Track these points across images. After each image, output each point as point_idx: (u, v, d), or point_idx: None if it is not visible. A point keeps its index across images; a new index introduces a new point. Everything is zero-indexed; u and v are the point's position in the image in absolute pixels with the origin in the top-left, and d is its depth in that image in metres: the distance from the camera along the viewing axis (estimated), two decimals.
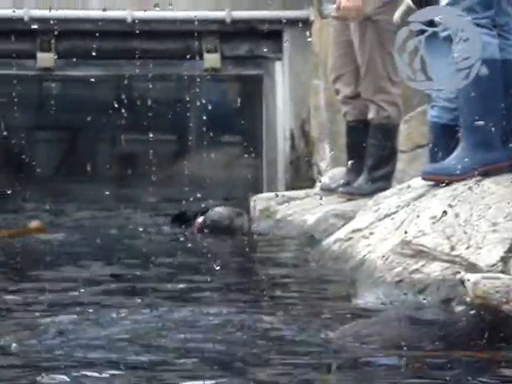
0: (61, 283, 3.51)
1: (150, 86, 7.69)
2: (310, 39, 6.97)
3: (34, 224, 5.42)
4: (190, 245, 4.76)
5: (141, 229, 5.14)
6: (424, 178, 3.80)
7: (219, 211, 5.44)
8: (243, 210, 5.60)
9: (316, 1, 7.15)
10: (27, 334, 2.61)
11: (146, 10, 7.53)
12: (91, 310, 2.90)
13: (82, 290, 3.27)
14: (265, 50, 7.82)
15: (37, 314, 2.90)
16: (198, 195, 6.26)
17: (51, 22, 7.20)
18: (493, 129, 3.71)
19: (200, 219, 5.47)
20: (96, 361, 2.32)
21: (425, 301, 3.06)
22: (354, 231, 3.89)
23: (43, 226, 5.46)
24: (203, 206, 5.59)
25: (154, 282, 3.58)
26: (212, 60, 7.81)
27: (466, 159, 3.70)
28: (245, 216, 5.52)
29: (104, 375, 2.18)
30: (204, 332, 2.62)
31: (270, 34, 7.72)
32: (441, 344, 2.45)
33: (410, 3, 4.27)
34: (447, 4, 3.71)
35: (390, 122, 5.15)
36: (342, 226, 4.25)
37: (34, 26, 7.02)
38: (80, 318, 2.80)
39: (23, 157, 7.83)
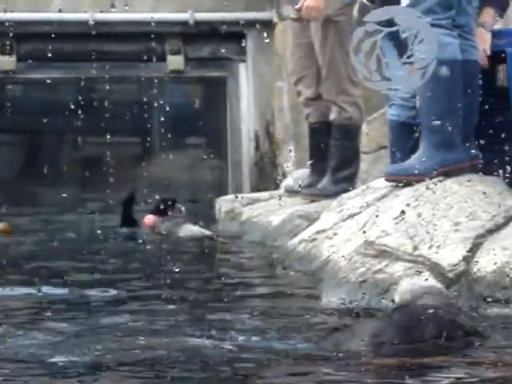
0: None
1: (112, 89, 7.65)
2: (267, 40, 6.98)
3: (1, 226, 5.38)
4: (148, 247, 4.75)
5: (99, 231, 5.13)
6: (387, 179, 3.82)
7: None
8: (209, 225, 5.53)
9: (275, 2, 7.16)
10: None
11: (103, 12, 7.49)
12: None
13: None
14: (228, 51, 7.82)
15: None
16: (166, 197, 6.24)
17: (10, 24, 7.14)
18: (453, 129, 3.73)
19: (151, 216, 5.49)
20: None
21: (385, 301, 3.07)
22: (318, 232, 3.90)
23: (10, 227, 5.42)
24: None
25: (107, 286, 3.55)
26: (176, 62, 7.78)
27: (427, 160, 3.72)
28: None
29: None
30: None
31: (233, 35, 7.72)
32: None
33: (364, 0, 4.27)
34: (407, 5, 3.72)
35: (351, 122, 5.17)
36: (307, 227, 4.26)
37: None
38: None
39: None
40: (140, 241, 5.17)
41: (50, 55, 6.72)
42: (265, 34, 7.01)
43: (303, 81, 5.27)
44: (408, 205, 3.48)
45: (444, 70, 3.67)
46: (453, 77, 3.73)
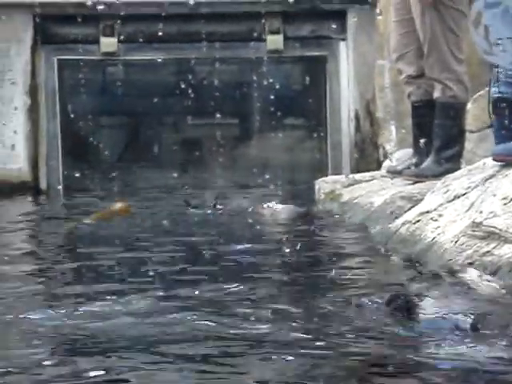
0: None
1: (213, 69, 7.66)
2: (379, 17, 6.83)
3: (120, 205, 5.31)
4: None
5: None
6: (494, 159, 3.69)
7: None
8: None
9: None
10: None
11: None
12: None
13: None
14: (328, 30, 7.72)
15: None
16: (262, 179, 6.22)
17: (114, 7, 7.22)
18: None
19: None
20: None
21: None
22: (422, 213, 3.80)
23: (128, 207, 5.35)
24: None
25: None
26: (275, 41, 7.74)
27: None
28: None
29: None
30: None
31: (334, 13, 7.62)
32: None
33: None
34: None
35: (456, 101, 5.02)
36: (410, 208, 4.16)
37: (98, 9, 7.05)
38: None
39: (89, 142, 7.89)
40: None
41: (150, 37, 6.77)
42: (374, 11, 6.88)
43: (404, 58, 5.15)
44: None
45: None
46: None
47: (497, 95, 4.00)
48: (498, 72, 3.88)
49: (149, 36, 7.43)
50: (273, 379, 2.06)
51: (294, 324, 2.50)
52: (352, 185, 5.64)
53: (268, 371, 2.10)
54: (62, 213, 6.20)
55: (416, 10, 4.99)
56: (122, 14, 7.39)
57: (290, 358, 2.16)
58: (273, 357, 2.18)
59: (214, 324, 2.50)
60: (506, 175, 3.55)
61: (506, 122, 3.96)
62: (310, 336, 2.37)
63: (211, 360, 2.19)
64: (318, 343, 2.30)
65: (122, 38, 7.62)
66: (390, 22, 5.40)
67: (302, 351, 2.23)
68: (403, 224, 3.89)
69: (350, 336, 2.38)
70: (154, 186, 7.56)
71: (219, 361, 2.19)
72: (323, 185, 5.94)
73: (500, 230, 3.20)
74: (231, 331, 2.43)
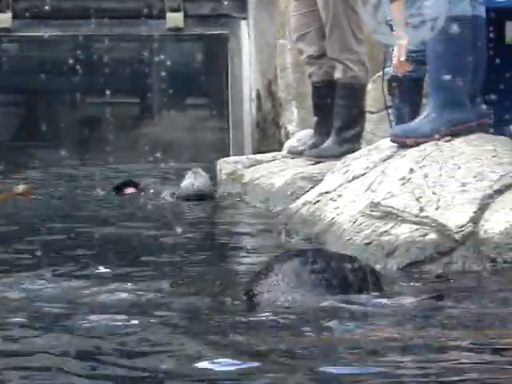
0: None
1: (111, 47, 7.52)
2: None
3: (23, 187, 5.48)
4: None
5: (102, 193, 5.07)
6: (392, 140, 3.72)
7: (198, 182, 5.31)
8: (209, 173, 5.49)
9: None
10: None
11: None
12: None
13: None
14: (229, 8, 7.67)
15: None
16: (163, 158, 6.15)
17: None
18: (462, 87, 3.63)
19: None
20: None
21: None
22: (322, 194, 3.80)
23: (31, 188, 5.53)
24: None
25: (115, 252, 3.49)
26: (175, 19, 7.64)
27: (435, 120, 3.62)
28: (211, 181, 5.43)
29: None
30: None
31: None
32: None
33: None
34: None
35: (357, 81, 5.05)
36: (310, 189, 4.16)
37: None
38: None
39: None
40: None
41: (46, 12, 6.59)
42: None
43: (305, 39, 5.14)
44: (414, 165, 3.38)
45: (454, 27, 3.55)
46: (463, 33, 3.62)
47: (393, 73, 4.04)
48: (391, 51, 3.91)
49: (44, 12, 7.23)
50: None
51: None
52: (253, 165, 5.62)
53: None
54: None
55: None
56: None
57: None
58: None
59: None
60: (404, 155, 3.58)
61: (398, 101, 4.00)
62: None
63: None
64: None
65: (16, 13, 7.41)
66: (291, 0, 5.38)
67: None
68: (304, 204, 3.89)
69: None
70: (49, 166, 7.39)
71: None
72: (225, 165, 5.91)
73: (397, 209, 3.23)
74: None
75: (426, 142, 3.56)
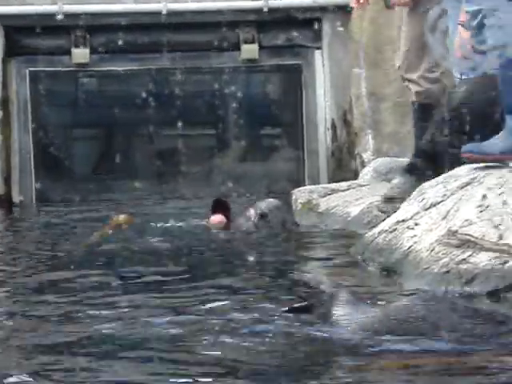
0: None
1: (187, 80, 7.59)
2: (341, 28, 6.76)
3: (123, 217, 5.32)
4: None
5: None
6: (464, 158, 3.70)
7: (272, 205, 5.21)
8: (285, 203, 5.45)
9: None
10: None
11: (177, 2, 7.43)
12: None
13: None
14: (303, 38, 7.67)
15: None
16: (239, 190, 6.15)
17: (83, 17, 7.14)
18: None
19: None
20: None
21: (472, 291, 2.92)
22: (398, 222, 3.74)
23: (131, 218, 5.37)
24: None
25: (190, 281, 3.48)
26: (249, 51, 7.68)
27: (506, 140, 3.58)
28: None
29: None
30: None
31: (308, 22, 7.57)
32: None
33: None
34: None
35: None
36: (386, 217, 4.11)
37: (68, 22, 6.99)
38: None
39: (61, 155, 7.81)
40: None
41: (123, 47, 6.68)
42: (345, 21, 6.83)
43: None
44: (492, 192, 3.31)
45: None
46: None
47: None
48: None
49: (121, 46, 7.35)
50: None
51: None
52: (329, 194, 5.59)
53: None
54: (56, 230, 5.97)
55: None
56: (93, 24, 7.33)
57: None
58: None
59: None
60: (482, 182, 3.51)
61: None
62: None
63: None
64: None
65: (93, 48, 7.55)
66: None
67: None
68: (379, 233, 3.84)
69: None
70: (130, 197, 7.46)
71: None
72: (300, 195, 5.89)
73: (475, 237, 3.15)
74: None
75: (495, 161, 3.50)
